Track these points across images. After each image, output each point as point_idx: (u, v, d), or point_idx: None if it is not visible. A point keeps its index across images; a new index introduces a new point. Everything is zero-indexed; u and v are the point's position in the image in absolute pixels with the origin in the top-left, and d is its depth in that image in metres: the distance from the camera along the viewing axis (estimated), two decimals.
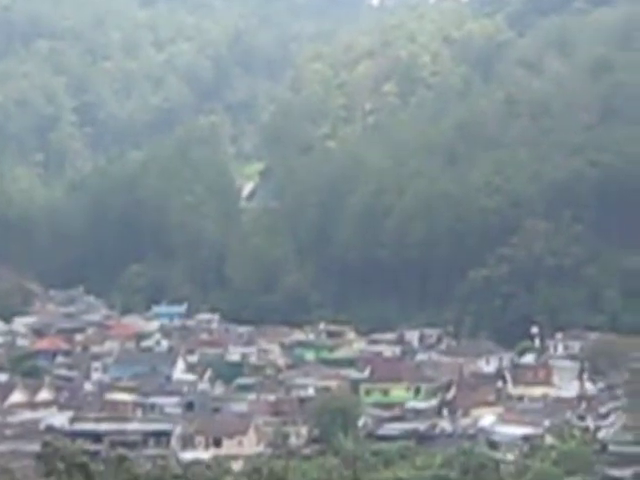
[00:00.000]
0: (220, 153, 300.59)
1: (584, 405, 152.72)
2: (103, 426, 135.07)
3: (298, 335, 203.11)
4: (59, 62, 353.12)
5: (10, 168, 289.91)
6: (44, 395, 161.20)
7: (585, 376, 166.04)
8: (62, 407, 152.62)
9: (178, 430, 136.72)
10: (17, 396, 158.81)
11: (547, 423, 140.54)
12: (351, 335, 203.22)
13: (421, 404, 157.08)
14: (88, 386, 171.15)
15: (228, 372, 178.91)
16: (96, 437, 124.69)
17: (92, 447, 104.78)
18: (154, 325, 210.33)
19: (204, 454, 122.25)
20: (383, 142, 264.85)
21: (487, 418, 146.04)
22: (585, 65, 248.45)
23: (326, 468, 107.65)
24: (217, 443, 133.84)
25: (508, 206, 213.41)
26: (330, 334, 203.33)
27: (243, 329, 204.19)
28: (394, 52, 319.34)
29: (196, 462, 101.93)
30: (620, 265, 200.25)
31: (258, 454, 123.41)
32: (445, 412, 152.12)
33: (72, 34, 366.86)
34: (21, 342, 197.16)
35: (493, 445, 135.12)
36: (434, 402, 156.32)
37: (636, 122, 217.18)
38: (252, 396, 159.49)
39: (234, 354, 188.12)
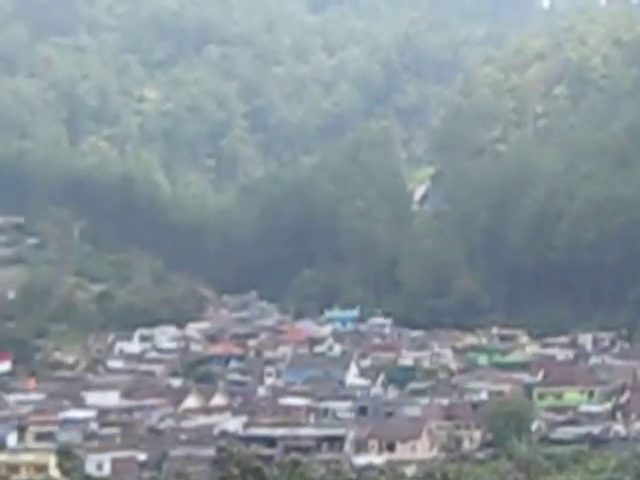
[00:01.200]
0: (391, 157, 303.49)
1: None
2: (277, 431, 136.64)
3: (470, 339, 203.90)
4: (230, 68, 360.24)
5: (183, 174, 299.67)
6: (218, 400, 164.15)
7: None
8: (236, 412, 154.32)
9: (351, 435, 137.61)
10: (191, 401, 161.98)
11: None
12: (524, 339, 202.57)
13: (595, 408, 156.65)
14: (261, 391, 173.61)
15: (401, 376, 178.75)
16: (270, 442, 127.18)
17: (266, 452, 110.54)
18: (327, 330, 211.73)
19: (377, 459, 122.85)
20: (554, 145, 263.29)
21: None
22: None
23: (500, 472, 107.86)
24: (390, 448, 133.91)
25: None
26: (502, 338, 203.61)
27: (416, 333, 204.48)
28: (565, 55, 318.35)
29: (369, 467, 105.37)
30: None
31: (431, 459, 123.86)
32: (619, 416, 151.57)
33: (242, 39, 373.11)
34: (195, 347, 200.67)
35: None
36: (608, 406, 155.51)
37: None
38: (425, 400, 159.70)
39: (407, 358, 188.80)
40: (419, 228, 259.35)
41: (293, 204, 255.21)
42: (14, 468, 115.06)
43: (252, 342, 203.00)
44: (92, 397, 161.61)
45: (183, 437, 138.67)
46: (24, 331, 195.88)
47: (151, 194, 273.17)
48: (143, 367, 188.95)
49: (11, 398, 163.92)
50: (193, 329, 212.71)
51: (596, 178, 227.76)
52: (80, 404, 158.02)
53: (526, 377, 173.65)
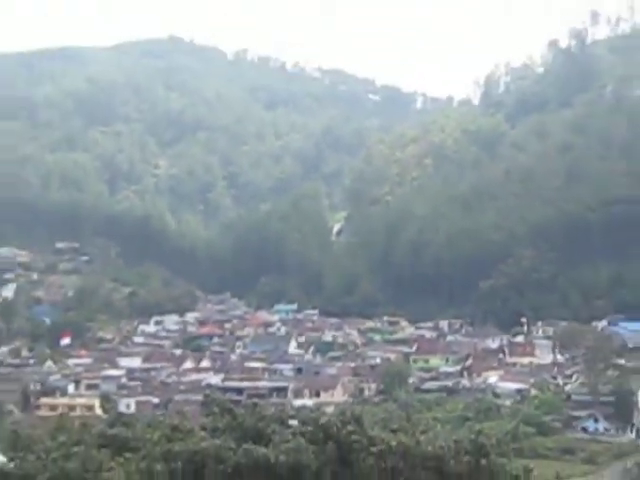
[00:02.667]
0: (319, 206, 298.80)
1: (556, 369, 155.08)
2: (243, 384, 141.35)
3: (370, 324, 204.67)
4: (214, 146, 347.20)
5: (183, 215, 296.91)
6: (205, 363, 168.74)
7: (557, 350, 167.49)
8: (216, 371, 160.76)
9: (292, 386, 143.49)
10: (188, 364, 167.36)
11: (532, 381, 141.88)
12: (404, 324, 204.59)
13: (450, 369, 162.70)
14: (234, 357, 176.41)
15: (324, 348, 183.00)
16: (239, 391, 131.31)
17: (236, 398, 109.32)
18: (276, 318, 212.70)
19: (309, 402, 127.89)
20: (424, 198, 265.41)
21: (493, 378, 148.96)
22: (555, 146, 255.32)
23: (388, 411, 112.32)
24: (317, 395, 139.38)
25: (507, 239, 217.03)
26: (390, 323, 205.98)
27: (334, 320, 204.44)
28: (430, 139, 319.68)
29: (303, 407, 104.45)
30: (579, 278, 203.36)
31: (343, 402, 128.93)
32: (465, 374, 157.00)
33: (222, 128, 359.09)
34: (190, 329, 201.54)
35: (496, 395, 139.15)
36: (458, 367, 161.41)
37: (588, 184, 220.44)
38: (340, 364, 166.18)
39: (328, 336, 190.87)
40: (337, 251, 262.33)
41: (255, 236, 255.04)
42: (72, 408, 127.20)
43: (227, 325, 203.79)
44: (123, 361, 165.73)
45: (182, 387, 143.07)
46: (79, 318, 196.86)
47: (162, 228, 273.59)
48: (156, 342, 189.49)
49: (70, 362, 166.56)
50: (190, 317, 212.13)
51: (450, 218, 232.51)
52: (115, 366, 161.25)
53: (406, 349, 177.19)
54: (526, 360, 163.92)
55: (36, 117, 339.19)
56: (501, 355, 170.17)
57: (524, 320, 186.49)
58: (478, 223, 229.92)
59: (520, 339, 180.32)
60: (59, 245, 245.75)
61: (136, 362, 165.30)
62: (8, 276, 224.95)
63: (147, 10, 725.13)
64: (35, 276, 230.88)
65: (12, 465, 35.65)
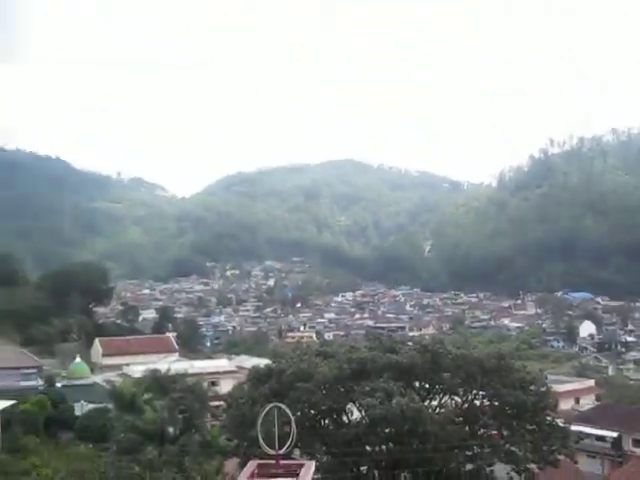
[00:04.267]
0: (419, 237, 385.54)
1: (537, 317, 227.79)
2: (384, 325, 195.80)
3: (444, 295, 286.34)
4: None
5: None
6: (365, 315, 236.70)
7: (538, 307, 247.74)
8: (371, 319, 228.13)
9: (407, 326, 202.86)
10: (357, 315, 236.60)
11: (525, 322, 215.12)
12: (463, 296, 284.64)
13: (484, 316, 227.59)
14: (379, 312, 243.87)
15: (423, 307, 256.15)
16: (382, 328, 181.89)
17: (380, 331, 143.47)
18: (399, 293, 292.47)
19: (416, 333, 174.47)
20: (467, 233, 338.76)
21: (506, 321, 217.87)
22: None
23: (455, 338, 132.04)
24: (419, 330, 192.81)
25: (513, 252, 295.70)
26: (455, 295, 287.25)
27: (428, 294, 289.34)
28: (470, 204, 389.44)
29: (413, 336, 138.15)
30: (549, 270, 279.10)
31: (432, 333, 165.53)
32: (493, 319, 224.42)
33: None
34: (358, 298, 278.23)
35: (508, 330, 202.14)
36: (488, 316, 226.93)
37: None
38: (430, 315, 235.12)
39: (425, 302, 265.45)
40: (428, 260, 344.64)
41: (388, 252, 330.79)
42: (301, 337, 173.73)
43: (376, 296, 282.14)
44: (326, 315, 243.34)
45: (355, 327, 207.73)
46: (304, 293, 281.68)
47: (341, 251, 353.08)
48: (341, 305, 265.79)
49: (301, 315, 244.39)
50: (357, 293, 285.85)
51: (481, 242, 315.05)
52: (322, 317, 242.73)
53: (463, 307, 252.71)
54: (522, 312, 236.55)
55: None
56: (510, 310, 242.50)
57: (521, 293, 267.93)
58: (496, 245, 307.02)
59: (520, 302, 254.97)
60: (294, 259, 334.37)
61: (332, 315, 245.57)
62: (270, 274, 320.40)
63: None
64: (283, 274, 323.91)
65: (274, 365, 47.23)
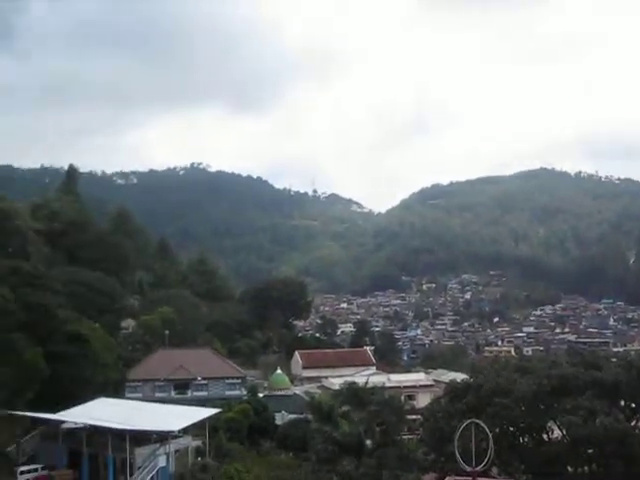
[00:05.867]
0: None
1: None
2: (586, 339, 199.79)
3: None
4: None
5: None
6: (566, 329, 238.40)
7: None
8: (572, 333, 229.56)
9: (611, 341, 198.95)
10: (557, 330, 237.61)
11: None
12: None
13: None
14: (580, 326, 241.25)
15: (627, 321, 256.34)
16: (583, 343, 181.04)
17: (582, 346, 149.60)
18: (602, 306, 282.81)
19: (620, 349, 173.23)
20: None
21: None
22: None
23: None
24: (624, 345, 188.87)
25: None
26: None
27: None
28: None
29: (618, 352, 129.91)
30: None
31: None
32: None
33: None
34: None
35: None
36: None
37: None
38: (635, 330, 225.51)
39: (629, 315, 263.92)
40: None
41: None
42: (500, 352, 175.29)
43: (577, 310, 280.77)
44: (524, 329, 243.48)
45: (555, 341, 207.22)
46: (501, 307, 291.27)
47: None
48: (540, 319, 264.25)
49: (498, 329, 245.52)
50: (557, 306, 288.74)
51: None
52: (520, 331, 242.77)
53: None
54: None
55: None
56: None
57: None
58: None
59: None
60: (491, 272, 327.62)
61: (531, 329, 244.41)
62: (467, 288, 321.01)
63: None
64: (480, 288, 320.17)
65: (471, 379, 47.75)
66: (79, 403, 63.32)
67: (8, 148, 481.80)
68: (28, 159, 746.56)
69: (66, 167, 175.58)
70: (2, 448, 56.93)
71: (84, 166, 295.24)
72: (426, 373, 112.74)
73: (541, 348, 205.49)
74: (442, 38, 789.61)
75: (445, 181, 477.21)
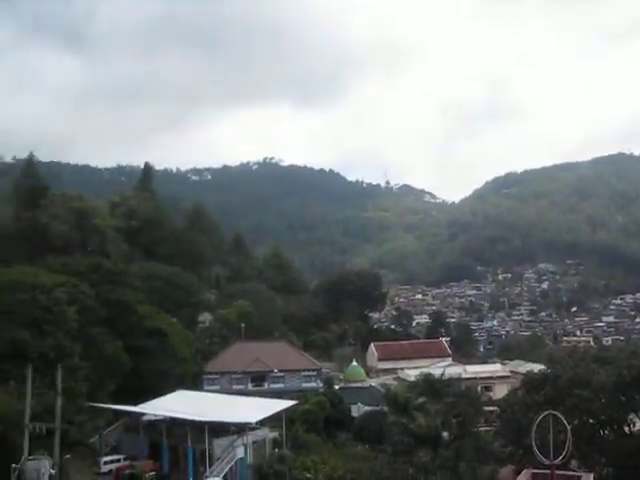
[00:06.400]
0: None
1: None
2: None
3: None
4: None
5: None
6: None
7: None
8: None
9: None
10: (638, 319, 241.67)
11: None
12: None
13: None
14: None
15: None
16: None
17: None
18: None
19: None
20: None
21: None
22: None
23: None
24: None
25: None
26: None
27: None
28: None
29: None
30: None
31: None
32: None
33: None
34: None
35: None
36: None
37: None
38: None
39: None
40: None
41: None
42: (578, 342, 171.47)
43: None
44: (604, 318, 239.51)
45: (635, 331, 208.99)
46: (580, 297, 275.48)
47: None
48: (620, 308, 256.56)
49: (576, 319, 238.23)
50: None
51: None
52: (599, 321, 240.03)
53: None
54: None
55: None
56: None
57: None
58: None
59: None
60: (568, 261, 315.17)
61: (610, 319, 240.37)
62: (544, 277, 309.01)
63: None
64: (558, 277, 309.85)
65: (549, 370, 47.90)
66: (158, 395, 64.92)
67: (86, 149, 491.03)
68: (105, 159, 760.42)
69: (142, 165, 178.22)
70: (86, 439, 58.14)
71: (159, 164, 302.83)
72: (503, 364, 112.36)
73: (621, 338, 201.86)
74: (512, 24, 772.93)
75: (519, 169, 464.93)
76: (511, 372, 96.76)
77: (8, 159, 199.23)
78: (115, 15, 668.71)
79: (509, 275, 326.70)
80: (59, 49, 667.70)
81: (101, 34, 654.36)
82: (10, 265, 69.44)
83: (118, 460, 57.71)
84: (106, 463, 56.86)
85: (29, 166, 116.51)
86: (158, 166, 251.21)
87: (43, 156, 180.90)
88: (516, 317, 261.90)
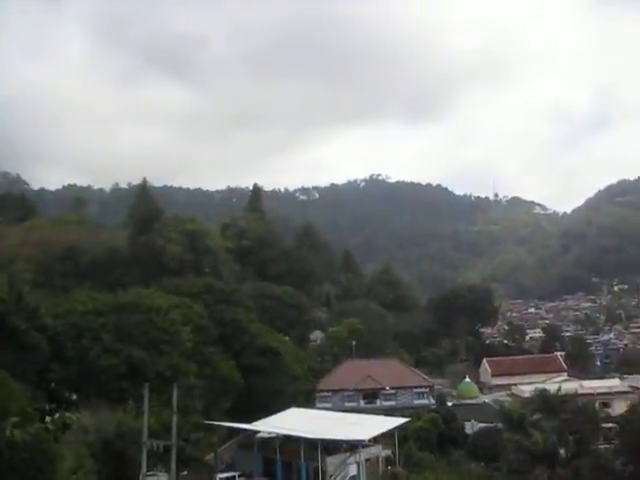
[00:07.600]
0: None
1: None
2: None
3: None
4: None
5: None
6: None
7: None
8: None
9: None
10: None
11: None
12: None
13: None
14: None
15: None
16: None
17: None
18: None
19: None
20: None
21: None
22: None
23: None
24: None
25: None
26: None
27: None
28: None
29: None
30: None
31: None
32: None
33: None
34: None
35: None
36: None
37: None
38: None
39: None
40: None
41: None
42: None
43: None
44: None
45: None
46: None
47: None
48: None
49: None
50: None
51: None
52: None
53: None
54: None
55: None
56: None
57: None
58: None
59: None
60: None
61: None
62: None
63: None
64: None
65: None
66: (272, 413, 65.39)
67: (198, 173, 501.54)
68: (216, 182, 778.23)
69: (251, 187, 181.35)
70: (201, 456, 59.12)
71: (268, 185, 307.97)
72: (621, 379, 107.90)
73: None
74: (620, 30, 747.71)
75: (633, 176, 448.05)
76: (630, 387, 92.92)
77: (123, 185, 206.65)
78: (221, 47, 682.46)
79: (625, 286, 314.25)
80: (171, 78, 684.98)
81: (212, 61, 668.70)
82: (127, 288, 71.58)
83: (233, 477, 58.06)
84: None
85: (143, 191, 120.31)
86: (267, 187, 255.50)
87: (156, 181, 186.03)
88: (635, 330, 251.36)
